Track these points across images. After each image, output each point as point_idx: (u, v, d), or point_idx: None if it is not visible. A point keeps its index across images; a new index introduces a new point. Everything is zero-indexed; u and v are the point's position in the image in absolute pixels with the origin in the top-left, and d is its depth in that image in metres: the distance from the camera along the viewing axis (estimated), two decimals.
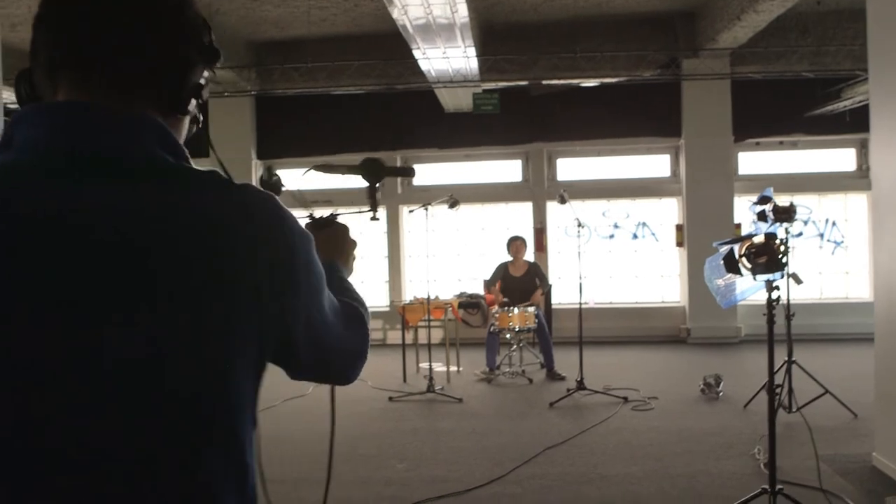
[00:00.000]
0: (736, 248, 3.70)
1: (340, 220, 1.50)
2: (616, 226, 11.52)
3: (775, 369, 6.68)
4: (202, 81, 1.08)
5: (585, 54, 9.86)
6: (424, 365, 8.38)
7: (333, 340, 1.16)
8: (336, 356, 1.21)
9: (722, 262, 3.70)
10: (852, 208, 11.20)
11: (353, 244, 1.51)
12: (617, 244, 11.53)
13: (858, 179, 11.02)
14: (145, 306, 0.92)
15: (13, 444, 0.91)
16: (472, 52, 8.55)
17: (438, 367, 8.46)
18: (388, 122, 11.46)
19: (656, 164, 11.53)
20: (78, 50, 0.99)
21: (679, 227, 11.22)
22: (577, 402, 7.21)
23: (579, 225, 7.77)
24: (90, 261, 0.92)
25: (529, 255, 9.80)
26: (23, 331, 0.91)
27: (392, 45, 9.56)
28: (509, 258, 9.02)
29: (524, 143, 11.46)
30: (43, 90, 1.03)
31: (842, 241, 11.21)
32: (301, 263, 1.05)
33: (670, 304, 11.40)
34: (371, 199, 1.64)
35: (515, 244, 9.01)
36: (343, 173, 1.63)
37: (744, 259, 3.68)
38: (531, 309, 8.39)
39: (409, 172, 1.75)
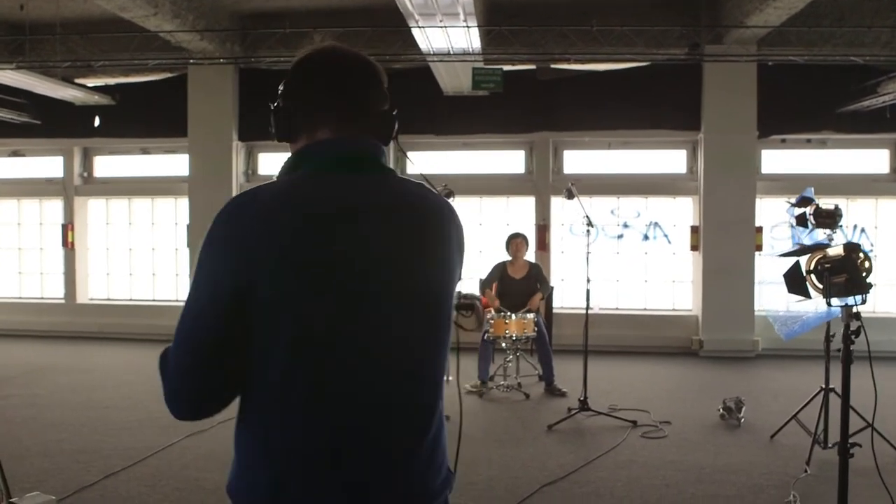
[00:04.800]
0: (803, 261, 2.79)
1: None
2: (626, 225, 10.67)
3: (809, 398, 5.88)
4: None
5: (601, 27, 8.88)
6: None
7: None
8: None
9: (783, 278, 2.80)
10: (883, 214, 10.32)
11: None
12: (626, 245, 10.67)
13: (892, 183, 10.15)
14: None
15: None
16: (472, 21, 7.62)
17: None
18: None
19: (672, 160, 10.62)
20: (356, 104, 1.64)
21: (694, 229, 10.31)
22: (579, 425, 6.37)
23: (588, 223, 6.86)
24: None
25: (531, 255, 8.90)
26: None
27: (388, 19, 8.66)
28: (508, 258, 8.11)
29: (528, 132, 10.54)
30: (298, 123, 1.70)
31: (871, 250, 10.32)
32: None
33: (682, 313, 10.50)
34: None
35: (515, 242, 8.10)
36: None
37: (813, 276, 2.78)
38: (530, 315, 7.50)
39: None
